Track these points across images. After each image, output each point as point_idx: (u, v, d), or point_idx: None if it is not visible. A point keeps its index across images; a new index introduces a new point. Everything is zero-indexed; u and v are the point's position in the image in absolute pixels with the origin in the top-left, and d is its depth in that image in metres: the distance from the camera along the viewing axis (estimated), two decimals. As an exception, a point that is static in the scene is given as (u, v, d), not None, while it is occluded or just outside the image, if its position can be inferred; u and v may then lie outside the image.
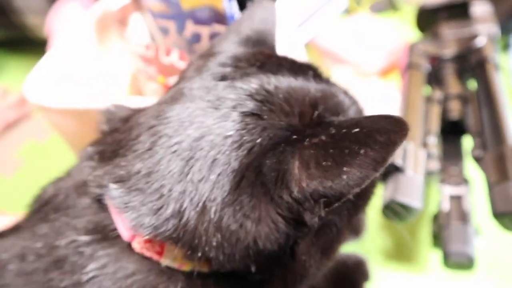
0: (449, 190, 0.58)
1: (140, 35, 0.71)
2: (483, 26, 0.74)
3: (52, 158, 0.82)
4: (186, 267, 0.33)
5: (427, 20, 0.83)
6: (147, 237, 0.31)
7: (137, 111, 0.39)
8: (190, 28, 0.62)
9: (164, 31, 0.65)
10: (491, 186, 0.51)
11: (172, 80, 0.64)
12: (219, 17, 0.57)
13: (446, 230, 0.54)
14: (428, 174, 0.60)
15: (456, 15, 0.80)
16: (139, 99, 0.52)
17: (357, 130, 0.29)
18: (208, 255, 0.31)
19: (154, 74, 0.66)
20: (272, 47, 0.44)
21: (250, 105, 0.33)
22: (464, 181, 0.58)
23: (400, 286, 0.57)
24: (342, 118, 0.35)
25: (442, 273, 0.57)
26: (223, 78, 0.37)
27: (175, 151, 0.32)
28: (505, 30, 0.86)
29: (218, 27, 0.59)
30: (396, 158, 0.52)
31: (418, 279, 0.57)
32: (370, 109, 0.78)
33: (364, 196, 0.39)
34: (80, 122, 0.58)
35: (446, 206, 0.57)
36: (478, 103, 0.61)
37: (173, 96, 0.37)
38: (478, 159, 0.55)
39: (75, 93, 0.62)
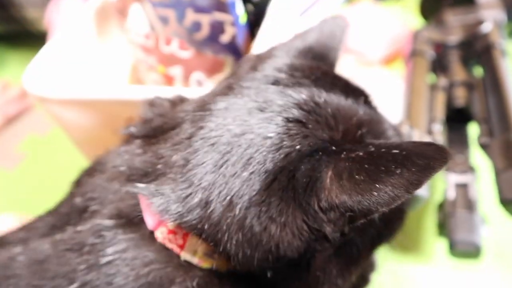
0: (455, 178, 0.57)
1: (140, 25, 0.70)
2: (489, 12, 0.72)
3: (54, 151, 0.82)
4: (205, 264, 0.33)
5: (431, 7, 0.82)
6: (171, 224, 0.32)
7: (183, 101, 0.40)
8: (190, 16, 0.61)
9: (164, 20, 0.64)
10: (498, 173, 0.50)
11: (173, 70, 0.64)
12: (220, 5, 0.56)
13: (452, 219, 0.54)
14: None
15: (461, 1, 0.79)
16: (141, 88, 0.52)
17: (396, 151, 0.28)
18: (229, 253, 0.31)
19: (154, 64, 0.65)
20: (331, 65, 0.44)
21: (296, 113, 0.33)
22: (470, 169, 0.57)
23: (406, 276, 0.56)
24: (384, 140, 0.36)
25: (448, 263, 0.56)
26: (276, 82, 0.37)
27: (213, 144, 0.32)
28: (509, 18, 0.84)
29: (219, 15, 0.58)
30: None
31: (423, 269, 0.57)
32: (376, 98, 0.77)
33: (390, 225, 0.39)
34: (81, 113, 0.57)
35: (451, 194, 0.56)
36: (485, 90, 0.60)
37: (222, 90, 0.37)
38: (484, 146, 0.54)
39: (75, 83, 0.62)
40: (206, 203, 0.31)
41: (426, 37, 0.71)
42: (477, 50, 0.66)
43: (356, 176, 0.28)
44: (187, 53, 0.61)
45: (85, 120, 0.58)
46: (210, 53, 0.62)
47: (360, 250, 0.36)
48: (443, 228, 0.56)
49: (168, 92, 0.43)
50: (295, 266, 0.33)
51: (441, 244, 0.58)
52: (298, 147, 0.32)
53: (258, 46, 0.53)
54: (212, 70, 0.63)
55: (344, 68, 0.81)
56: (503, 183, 0.48)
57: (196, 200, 0.31)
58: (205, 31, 0.61)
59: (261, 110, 0.34)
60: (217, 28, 0.60)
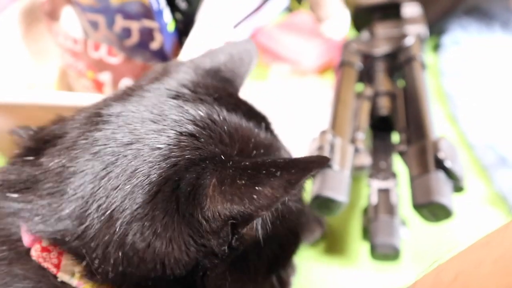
0: (378, 184, 0.59)
1: (72, 29, 0.69)
2: (413, 26, 0.76)
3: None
4: (86, 287, 0.30)
5: (362, 19, 0.85)
6: (45, 241, 0.29)
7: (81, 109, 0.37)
8: (120, 22, 0.60)
9: (94, 25, 0.63)
10: (412, 179, 0.53)
11: (102, 75, 0.63)
12: (148, 12, 0.56)
13: (374, 223, 0.56)
14: (359, 169, 0.62)
15: (389, 15, 0.83)
16: (69, 94, 0.50)
17: (281, 160, 0.29)
18: (107, 274, 0.29)
19: (83, 69, 0.64)
20: (237, 89, 0.44)
21: (189, 128, 0.33)
22: (392, 175, 0.60)
23: (331, 279, 0.58)
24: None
25: (371, 265, 0.59)
26: (176, 97, 0.36)
27: (96, 152, 0.31)
28: (436, 31, 0.90)
29: (147, 22, 0.58)
30: (324, 153, 0.53)
31: (348, 272, 0.59)
32: (308, 106, 0.79)
33: (285, 247, 0.39)
34: (4, 117, 0.55)
35: (374, 199, 0.58)
36: (405, 100, 0.63)
37: (118, 96, 0.36)
38: (402, 154, 0.57)
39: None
40: (80, 218, 0.29)
41: (355, 48, 0.75)
42: (400, 62, 0.70)
43: (238, 181, 0.28)
44: (115, 59, 0.61)
45: (7, 125, 0.55)
46: (140, 60, 0.62)
47: (257, 267, 0.36)
48: (367, 232, 0.58)
49: (93, 98, 0.41)
50: (188, 285, 0.31)
51: (366, 247, 0.61)
52: (186, 157, 0.31)
53: (186, 55, 0.54)
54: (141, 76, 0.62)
55: (279, 76, 0.83)
56: (416, 188, 0.51)
57: (66, 212, 0.29)
58: (135, 37, 0.61)
59: (155, 122, 0.33)
60: (147, 35, 0.59)
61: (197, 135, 0.32)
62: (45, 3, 0.66)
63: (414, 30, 0.76)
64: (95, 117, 0.33)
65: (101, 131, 0.32)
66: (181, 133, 0.32)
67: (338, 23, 0.81)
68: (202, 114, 0.34)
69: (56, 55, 0.68)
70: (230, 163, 0.30)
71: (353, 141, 0.58)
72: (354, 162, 0.60)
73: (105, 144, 0.31)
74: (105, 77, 0.62)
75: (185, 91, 0.37)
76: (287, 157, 0.31)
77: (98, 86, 0.63)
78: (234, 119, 0.36)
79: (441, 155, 0.51)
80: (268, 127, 0.39)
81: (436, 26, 0.89)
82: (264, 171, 0.28)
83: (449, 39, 0.90)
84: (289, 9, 1.01)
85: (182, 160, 0.30)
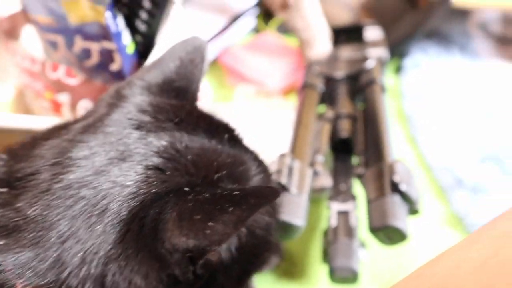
0: (337, 206, 0.60)
1: (33, 49, 0.67)
2: (374, 49, 0.78)
3: None
4: None
5: (327, 42, 0.87)
6: None
7: (40, 138, 0.37)
8: (79, 43, 0.59)
9: (53, 45, 0.62)
10: (369, 202, 0.53)
11: (61, 96, 0.62)
12: (106, 34, 0.56)
13: (333, 246, 0.56)
14: (320, 191, 0.62)
15: (352, 38, 0.85)
16: (27, 117, 0.49)
17: (237, 192, 0.30)
18: None
19: (41, 89, 0.62)
20: (193, 97, 0.44)
21: (155, 161, 0.33)
22: (351, 198, 0.61)
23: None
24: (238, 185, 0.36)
25: (331, 288, 0.59)
26: (139, 127, 0.36)
27: (71, 196, 0.31)
28: (397, 54, 0.92)
29: (106, 44, 0.57)
30: (282, 177, 0.53)
31: (308, 295, 0.58)
32: (273, 127, 0.79)
33: (252, 261, 0.39)
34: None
35: (334, 222, 0.58)
36: (364, 123, 0.65)
37: (83, 133, 0.36)
38: (360, 177, 0.58)
39: None
40: (61, 264, 0.29)
41: (318, 71, 0.76)
42: (361, 84, 0.71)
43: (194, 216, 0.29)
44: (74, 80, 0.60)
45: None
46: (100, 81, 0.61)
47: (225, 286, 0.36)
48: (327, 254, 0.58)
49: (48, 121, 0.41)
50: None
51: (325, 270, 0.61)
52: (153, 191, 0.32)
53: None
54: (101, 98, 0.61)
55: (243, 97, 0.83)
56: (372, 211, 0.52)
57: (50, 261, 0.29)
58: (95, 58, 0.60)
59: (122, 159, 0.33)
60: (107, 56, 0.59)
61: (163, 168, 0.33)
62: (3, 21, 0.65)
63: (375, 53, 0.77)
64: (64, 160, 0.33)
65: (74, 174, 0.32)
66: (147, 168, 0.33)
67: (324, 46, 0.82)
68: (165, 144, 0.35)
69: (13, 75, 0.67)
70: (191, 196, 0.31)
71: (312, 164, 0.59)
72: (314, 184, 0.60)
73: (78, 188, 0.31)
74: (64, 98, 0.61)
75: (146, 118, 0.37)
76: (241, 189, 0.31)
77: (56, 107, 0.62)
78: (196, 143, 0.36)
79: (396, 178, 0.52)
80: (231, 138, 0.40)
81: (398, 49, 0.91)
82: (218, 206, 0.29)
83: (410, 62, 0.92)
84: (256, 30, 1.02)
85: (149, 196, 0.31)
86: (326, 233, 0.60)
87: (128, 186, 0.31)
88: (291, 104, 0.81)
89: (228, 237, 0.29)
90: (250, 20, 1.00)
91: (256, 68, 0.85)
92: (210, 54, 0.91)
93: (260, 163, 0.41)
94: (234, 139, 0.40)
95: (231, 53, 0.90)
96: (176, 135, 0.36)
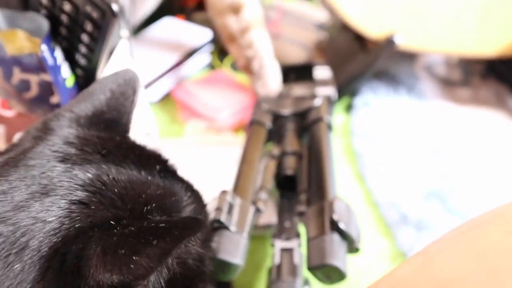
0: (281, 244, 0.59)
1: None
2: (322, 88, 0.80)
3: None
4: None
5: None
6: None
7: None
8: (18, 75, 0.58)
9: (-9, 77, 0.60)
10: (308, 241, 0.53)
11: (-4, 129, 0.59)
12: (44, 67, 0.55)
13: (276, 284, 0.55)
14: (264, 228, 0.61)
15: (302, 77, 0.87)
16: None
17: (163, 225, 0.29)
18: None
19: (-25, 122, 0.60)
20: (124, 130, 0.43)
21: (80, 195, 0.32)
22: (295, 235, 0.60)
23: None
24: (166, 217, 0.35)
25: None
26: (64, 160, 0.35)
27: None
28: (347, 93, 0.95)
29: (45, 76, 0.56)
30: (221, 214, 0.52)
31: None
32: (224, 163, 0.79)
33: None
34: None
35: (277, 259, 0.58)
36: (309, 160, 0.65)
37: (2, 166, 0.34)
38: (301, 215, 0.58)
39: None
40: None
41: (266, 108, 0.76)
42: (308, 122, 0.72)
43: (119, 251, 0.28)
44: (10, 113, 0.58)
45: None
46: (41, 114, 0.59)
47: None
48: (271, 293, 0.57)
49: None
50: None
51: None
52: (77, 226, 0.30)
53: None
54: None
55: (194, 133, 0.83)
56: (311, 250, 0.51)
57: None
58: (34, 91, 0.58)
59: (45, 193, 0.32)
60: (46, 89, 0.57)
61: (87, 202, 0.32)
62: None
63: (324, 92, 0.79)
64: None
65: None
66: (71, 202, 0.31)
67: (272, 81, 0.83)
68: (91, 176, 0.33)
69: None
70: (117, 230, 0.30)
71: (254, 201, 0.58)
72: (259, 221, 0.60)
73: None
74: (-1, 130, 0.59)
75: (72, 150, 0.36)
76: (167, 221, 0.30)
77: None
78: (124, 176, 0.35)
79: (335, 217, 0.52)
80: (163, 169, 0.39)
81: (348, 88, 0.94)
82: (142, 240, 0.28)
83: (360, 101, 0.95)
84: (211, 66, 1.03)
85: (72, 231, 0.30)
86: (270, 271, 0.59)
87: (50, 221, 0.30)
88: (241, 140, 0.82)
89: (152, 271, 0.28)
90: (204, 57, 1.01)
91: (208, 104, 0.85)
92: (162, 88, 0.91)
93: (193, 193, 0.40)
94: (166, 170, 0.40)
95: (184, 88, 0.90)
96: (103, 167, 0.35)
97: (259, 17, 0.82)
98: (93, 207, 0.32)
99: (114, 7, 0.46)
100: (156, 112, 0.88)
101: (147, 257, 0.27)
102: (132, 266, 0.27)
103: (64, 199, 0.31)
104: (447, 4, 0.88)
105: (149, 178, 0.37)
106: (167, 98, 0.92)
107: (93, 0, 0.45)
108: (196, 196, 0.41)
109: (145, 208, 0.34)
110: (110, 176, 0.34)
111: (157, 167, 0.38)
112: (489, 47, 0.88)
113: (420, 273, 0.27)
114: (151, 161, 0.39)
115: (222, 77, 0.95)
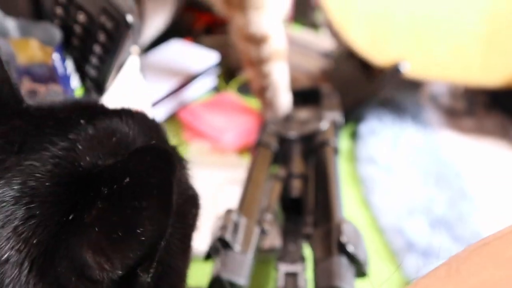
0: (285, 267, 0.57)
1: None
2: (329, 113, 0.80)
3: None
4: None
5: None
6: None
7: None
8: (27, 85, 0.58)
9: None
10: (315, 263, 0.51)
11: None
12: (55, 77, 0.54)
13: (280, 308, 0.53)
14: (269, 251, 0.60)
15: (309, 101, 0.87)
16: None
17: (127, 180, 0.25)
18: None
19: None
20: (15, 98, 0.34)
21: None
22: (300, 259, 0.59)
23: None
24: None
25: None
26: None
27: None
28: (352, 119, 0.95)
29: (54, 87, 0.56)
30: (226, 233, 0.51)
31: None
32: (226, 185, 0.77)
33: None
34: None
35: (281, 283, 0.56)
36: (315, 183, 0.64)
37: None
38: (308, 237, 0.56)
39: None
40: None
41: (273, 130, 0.76)
42: (314, 145, 0.72)
43: (114, 236, 0.26)
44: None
45: None
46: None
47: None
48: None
49: None
50: None
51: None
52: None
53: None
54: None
55: (197, 153, 0.82)
56: (319, 272, 0.50)
57: None
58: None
59: None
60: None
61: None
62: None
63: (330, 116, 0.79)
64: None
65: None
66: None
67: (282, 112, 0.84)
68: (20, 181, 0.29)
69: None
70: (86, 218, 0.27)
71: (260, 222, 0.57)
72: (263, 244, 0.58)
73: None
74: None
75: None
76: (126, 167, 0.26)
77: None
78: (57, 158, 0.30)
79: (343, 239, 0.50)
80: (91, 117, 0.34)
81: (353, 114, 0.94)
82: (129, 211, 0.26)
83: (366, 128, 0.95)
84: (217, 89, 1.03)
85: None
86: (273, 296, 0.57)
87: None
88: (245, 162, 0.81)
89: (165, 227, 0.26)
90: (210, 79, 1.01)
91: (213, 125, 0.85)
92: (166, 110, 0.91)
93: (134, 120, 0.35)
94: (93, 116, 0.34)
95: (190, 110, 0.90)
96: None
97: (282, 50, 0.82)
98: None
99: (129, 18, 0.47)
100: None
101: (150, 220, 0.25)
102: (142, 238, 0.26)
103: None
104: (453, 32, 0.89)
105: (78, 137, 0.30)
106: (171, 119, 0.92)
107: (108, 11, 0.45)
108: (139, 121, 0.36)
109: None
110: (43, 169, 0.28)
111: (82, 121, 0.32)
112: (493, 77, 0.89)
113: (446, 281, 0.25)
114: (73, 119, 0.32)
115: (227, 100, 0.95)
